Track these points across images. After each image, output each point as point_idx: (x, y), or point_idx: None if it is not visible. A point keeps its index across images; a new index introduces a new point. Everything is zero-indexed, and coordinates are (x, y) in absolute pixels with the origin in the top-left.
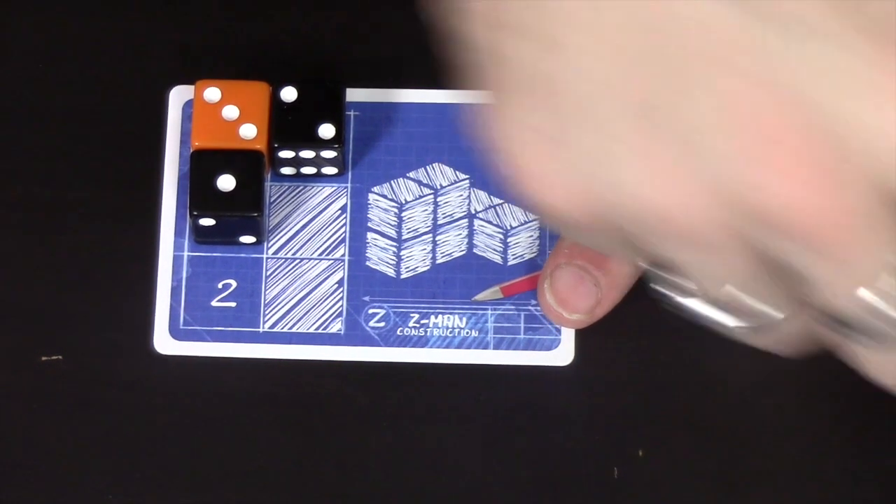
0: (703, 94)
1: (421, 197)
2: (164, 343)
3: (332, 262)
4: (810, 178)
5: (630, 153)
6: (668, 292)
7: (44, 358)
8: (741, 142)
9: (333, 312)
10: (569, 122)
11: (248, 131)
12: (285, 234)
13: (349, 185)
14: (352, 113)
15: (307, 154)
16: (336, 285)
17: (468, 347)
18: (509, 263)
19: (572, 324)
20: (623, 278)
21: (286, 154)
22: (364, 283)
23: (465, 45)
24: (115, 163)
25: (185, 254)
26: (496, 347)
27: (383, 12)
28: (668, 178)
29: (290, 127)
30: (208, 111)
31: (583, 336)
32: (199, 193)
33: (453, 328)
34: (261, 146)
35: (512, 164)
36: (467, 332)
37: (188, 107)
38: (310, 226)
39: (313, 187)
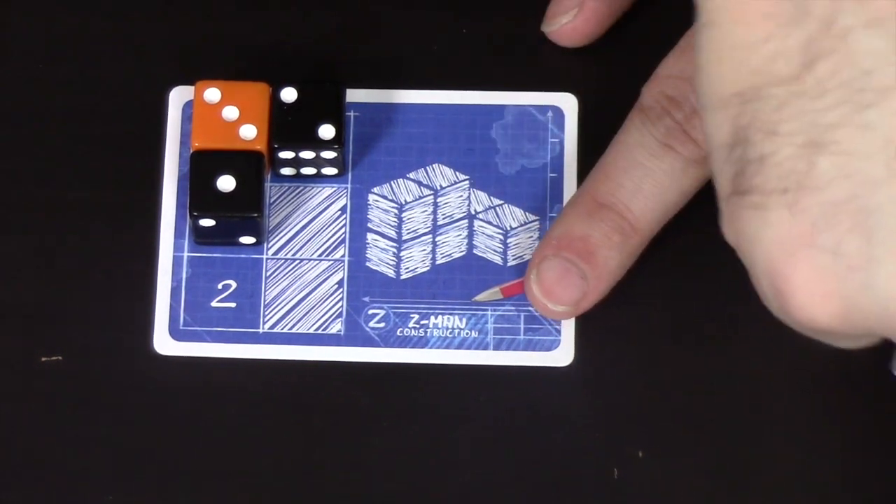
0: None
1: (421, 197)
2: (164, 343)
3: (331, 262)
4: None
5: None
6: None
7: (44, 358)
8: None
9: (333, 313)
10: (832, 226)
11: (248, 132)
12: (285, 234)
13: (349, 185)
14: (352, 113)
15: (307, 155)
16: (336, 286)
17: (468, 348)
18: (509, 264)
19: (557, 315)
20: (610, 272)
21: (286, 155)
22: (364, 284)
23: (719, 146)
24: (115, 163)
25: (185, 254)
26: (496, 348)
27: (383, 12)
28: None
29: (289, 127)
30: (208, 112)
31: (583, 337)
32: (198, 194)
33: (453, 329)
34: (261, 147)
35: (772, 272)
36: (467, 333)
37: (188, 107)
38: (310, 226)
39: (313, 188)
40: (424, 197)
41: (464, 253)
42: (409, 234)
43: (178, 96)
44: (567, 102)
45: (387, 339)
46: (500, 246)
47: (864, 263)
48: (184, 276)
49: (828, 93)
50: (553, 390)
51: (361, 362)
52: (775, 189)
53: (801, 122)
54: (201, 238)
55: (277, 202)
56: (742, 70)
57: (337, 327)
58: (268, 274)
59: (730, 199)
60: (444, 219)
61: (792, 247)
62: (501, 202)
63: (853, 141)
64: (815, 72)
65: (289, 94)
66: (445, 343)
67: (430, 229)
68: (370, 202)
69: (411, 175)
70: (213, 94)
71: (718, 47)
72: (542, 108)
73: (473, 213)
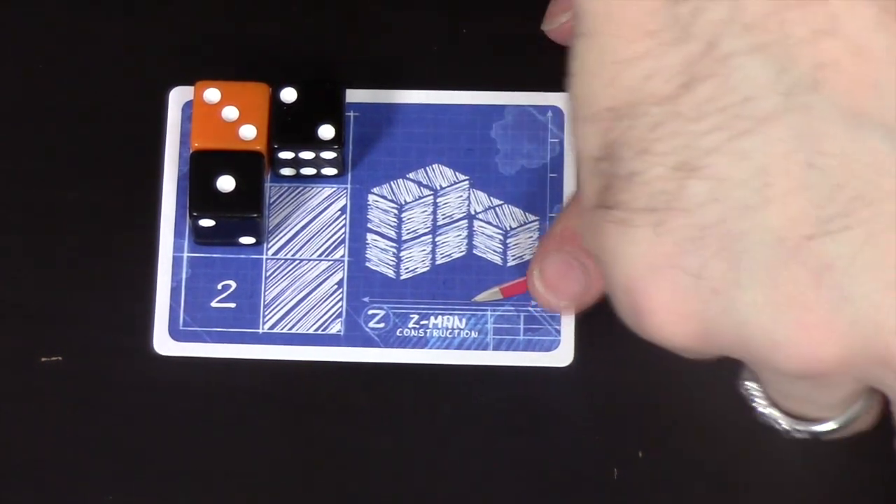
0: (858, 236)
1: (420, 198)
2: (164, 344)
3: (331, 262)
4: None
5: (762, 288)
6: (757, 399)
7: (44, 358)
8: (891, 291)
9: (333, 313)
10: (698, 248)
11: (248, 132)
12: (285, 234)
13: (349, 185)
14: (351, 114)
15: (307, 155)
16: (336, 286)
17: (468, 348)
18: (509, 264)
19: (561, 310)
20: None
21: (286, 155)
22: (364, 284)
23: (588, 158)
24: (115, 163)
25: (185, 255)
26: (496, 348)
27: (383, 12)
28: (801, 319)
29: (289, 128)
30: (208, 112)
31: (582, 337)
32: (198, 194)
33: (453, 329)
34: (260, 147)
35: (632, 290)
36: (467, 333)
37: (188, 107)
38: (309, 227)
39: (313, 188)
40: (424, 197)
41: (463, 253)
42: (408, 234)
43: (178, 96)
44: (567, 102)
45: (386, 340)
46: (500, 246)
47: (727, 288)
48: (184, 276)
49: (705, 116)
50: (553, 390)
51: (361, 362)
52: (642, 207)
53: (674, 143)
54: (201, 238)
55: (277, 202)
56: (617, 85)
57: (337, 327)
58: (267, 274)
59: (594, 210)
60: (443, 219)
61: (655, 266)
62: (501, 202)
63: (727, 167)
64: (692, 94)
65: (289, 95)
66: (445, 343)
67: (429, 229)
68: (370, 202)
69: (411, 175)
70: (212, 94)
71: (595, 59)
72: (542, 109)
73: (473, 213)
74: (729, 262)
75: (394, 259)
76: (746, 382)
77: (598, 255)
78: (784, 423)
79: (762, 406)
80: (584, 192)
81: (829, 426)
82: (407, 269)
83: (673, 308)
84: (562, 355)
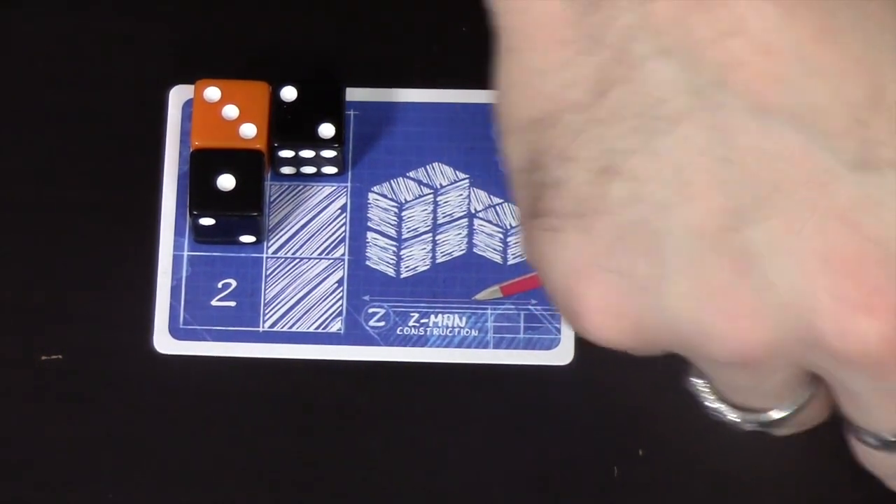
0: (777, 224)
1: (421, 196)
2: (164, 342)
3: (331, 261)
4: (886, 315)
5: (688, 281)
6: (704, 394)
7: (44, 357)
8: (813, 274)
9: (333, 312)
10: (625, 249)
11: (248, 131)
12: (285, 233)
13: (349, 184)
14: (352, 112)
15: (307, 153)
16: (336, 285)
17: (468, 347)
18: (509, 263)
19: None
20: None
21: (286, 153)
22: (364, 283)
23: (518, 170)
24: (115, 163)
25: (185, 253)
26: (496, 347)
27: (383, 12)
28: (728, 308)
29: (289, 126)
30: (208, 110)
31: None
32: (198, 193)
33: (453, 328)
34: (261, 146)
35: (562, 290)
36: (467, 332)
37: (188, 106)
38: (309, 225)
39: (313, 187)
40: (424, 196)
41: (464, 252)
42: (409, 232)
43: (179, 95)
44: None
45: (387, 338)
46: (500, 245)
47: (655, 284)
48: (184, 274)
49: (622, 120)
50: (553, 390)
51: (361, 361)
52: (571, 213)
53: (596, 148)
54: (201, 237)
55: (277, 201)
56: (539, 96)
57: (337, 326)
58: (268, 273)
59: (528, 221)
60: (443, 217)
61: (587, 269)
62: (501, 201)
63: (645, 168)
64: (608, 99)
65: (289, 93)
66: (445, 342)
67: (429, 228)
68: (370, 201)
69: (411, 174)
70: (213, 92)
71: (516, 73)
72: None
73: (473, 211)
74: (655, 259)
75: (394, 257)
76: (693, 379)
77: (536, 264)
78: (732, 415)
79: (710, 401)
80: (518, 205)
81: (775, 415)
82: (407, 267)
83: (606, 309)
84: (562, 354)
